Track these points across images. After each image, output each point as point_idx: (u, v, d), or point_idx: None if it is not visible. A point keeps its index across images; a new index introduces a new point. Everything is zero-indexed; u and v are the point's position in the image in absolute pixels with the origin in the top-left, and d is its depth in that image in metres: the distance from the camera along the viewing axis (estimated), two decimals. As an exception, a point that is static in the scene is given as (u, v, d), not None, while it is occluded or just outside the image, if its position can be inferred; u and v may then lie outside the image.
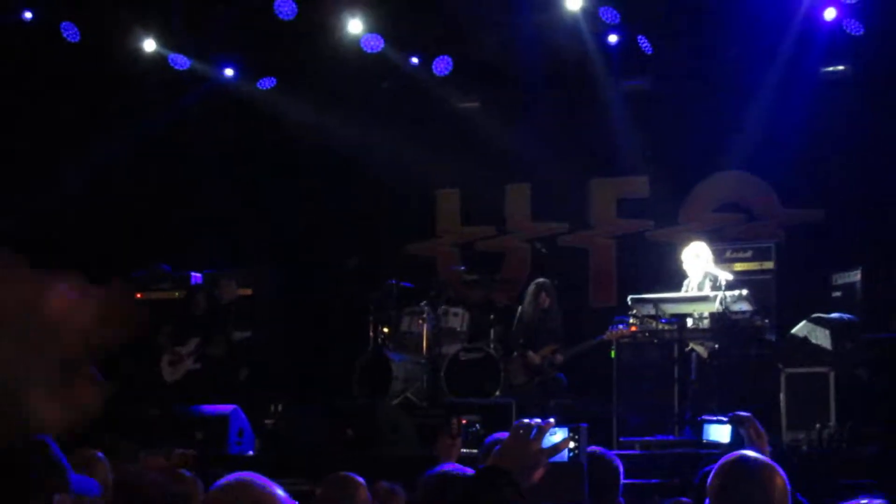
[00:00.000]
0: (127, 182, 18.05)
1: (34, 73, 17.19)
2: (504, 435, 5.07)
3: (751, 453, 4.31)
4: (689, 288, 13.41)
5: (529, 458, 3.09)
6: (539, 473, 3.10)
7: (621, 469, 4.35)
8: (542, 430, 3.13)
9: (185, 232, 18.19)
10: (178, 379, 14.63)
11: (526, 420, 3.18)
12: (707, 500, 4.19)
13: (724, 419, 5.54)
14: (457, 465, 4.42)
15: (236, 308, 15.36)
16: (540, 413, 9.34)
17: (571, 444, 3.19)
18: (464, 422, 13.02)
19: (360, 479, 5.84)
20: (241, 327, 14.51)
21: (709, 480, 4.18)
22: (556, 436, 3.17)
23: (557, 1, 15.83)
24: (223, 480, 3.17)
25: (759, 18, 15.37)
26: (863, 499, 4.60)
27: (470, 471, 4.26)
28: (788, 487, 4.42)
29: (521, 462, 3.09)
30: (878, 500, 4.57)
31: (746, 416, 5.39)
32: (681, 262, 13.54)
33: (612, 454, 4.48)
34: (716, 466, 4.21)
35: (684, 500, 6.40)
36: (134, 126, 17.32)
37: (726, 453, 4.33)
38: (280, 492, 3.09)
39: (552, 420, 3.19)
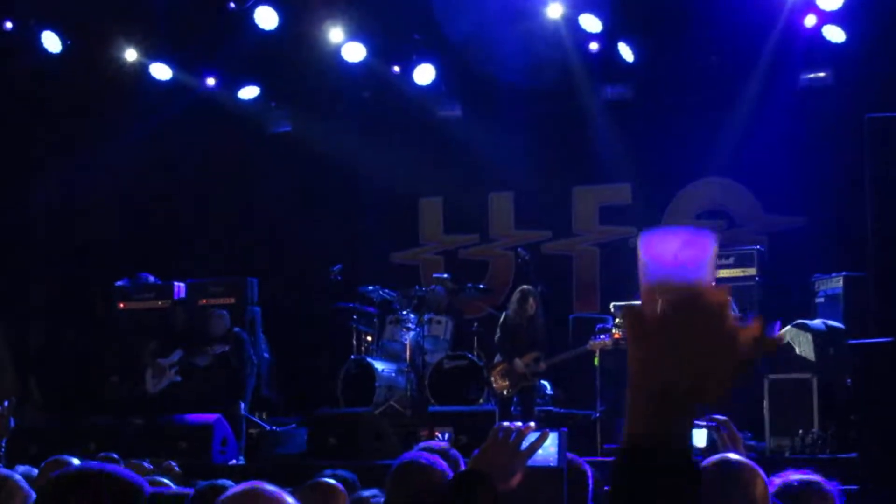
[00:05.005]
0: (110, 191, 18.02)
1: (14, 83, 17.15)
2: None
3: (733, 455, 4.27)
4: (672, 295, 13.38)
5: (508, 461, 3.09)
6: (517, 478, 3.10)
7: (590, 474, 4.33)
8: (521, 434, 3.13)
9: (169, 241, 18.18)
10: (162, 390, 14.60)
11: (505, 423, 3.18)
12: None
13: (701, 423, 5.48)
14: (426, 454, 4.35)
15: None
16: (523, 420, 9.35)
17: (552, 449, 3.19)
18: (437, 434, 13.08)
19: (340, 487, 5.79)
20: (223, 340, 14.49)
21: None
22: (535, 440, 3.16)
23: (539, 9, 15.85)
24: (234, 489, 3.17)
25: (739, 26, 15.42)
26: (792, 473, 4.57)
27: (437, 459, 4.22)
28: (770, 490, 4.40)
29: (500, 465, 3.09)
30: (809, 475, 4.54)
31: (722, 420, 5.33)
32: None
33: (581, 459, 4.46)
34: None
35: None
36: (117, 135, 17.29)
37: (701, 457, 4.29)
38: (290, 499, 3.07)
39: (532, 424, 3.18)
